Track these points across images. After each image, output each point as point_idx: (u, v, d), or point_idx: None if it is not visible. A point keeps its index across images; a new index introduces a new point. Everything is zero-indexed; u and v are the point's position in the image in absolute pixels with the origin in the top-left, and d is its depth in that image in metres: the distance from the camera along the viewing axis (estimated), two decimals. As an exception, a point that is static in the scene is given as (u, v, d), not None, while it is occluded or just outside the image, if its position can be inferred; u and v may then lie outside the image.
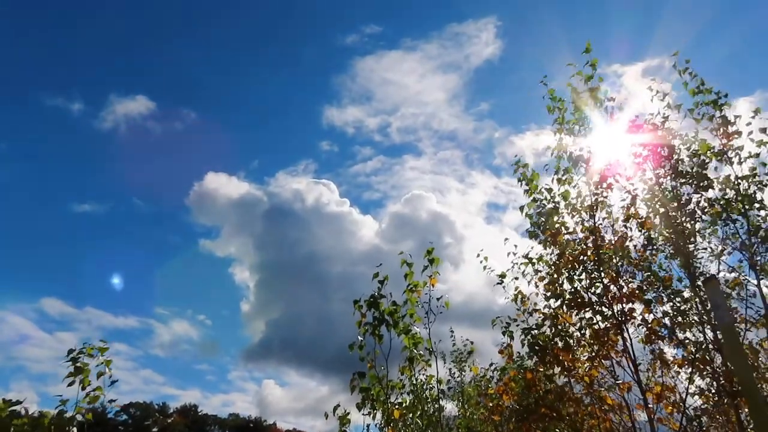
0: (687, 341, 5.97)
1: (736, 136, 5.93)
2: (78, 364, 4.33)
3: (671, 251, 6.06)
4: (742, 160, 5.90)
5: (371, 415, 5.09)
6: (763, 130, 5.88)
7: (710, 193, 6.05)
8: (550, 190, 6.59)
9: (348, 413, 5.12)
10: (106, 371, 4.40)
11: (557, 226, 6.48)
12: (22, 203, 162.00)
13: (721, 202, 5.95)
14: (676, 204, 6.12)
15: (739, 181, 5.86)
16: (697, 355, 5.79)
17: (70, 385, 4.27)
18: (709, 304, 5.60)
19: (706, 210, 6.07)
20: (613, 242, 6.21)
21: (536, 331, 6.39)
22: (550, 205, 6.57)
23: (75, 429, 4.31)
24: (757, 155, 5.87)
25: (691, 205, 6.14)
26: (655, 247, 6.22)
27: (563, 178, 6.48)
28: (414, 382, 5.39)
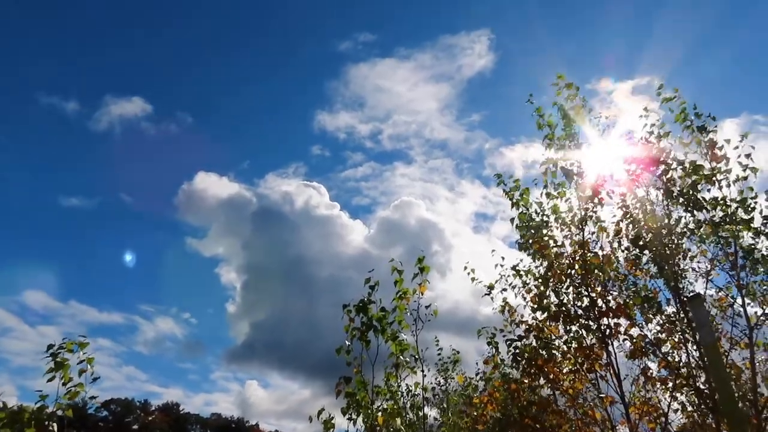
0: (671, 357, 6.02)
1: (724, 160, 5.97)
2: (58, 359, 4.26)
3: (656, 270, 6.11)
4: (730, 183, 5.95)
5: (354, 421, 5.06)
6: (747, 156, 5.95)
7: (700, 215, 6.11)
8: (540, 204, 6.65)
9: (332, 417, 5.09)
10: (88, 368, 4.33)
11: (546, 239, 6.53)
12: (9, 195, 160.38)
13: (714, 222, 6.01)
14: (666, 222, 6.18)
15: (731, 203, 5.92)
16: (679, 371, 5.84)
17: (50, 380, 4.21)
18: (694, 323, 5.65)
19: (695, 231, 6.13)
20: (601, 257, 6.26)
21: (520, 343, 6.42)
22: (539, 219, 6.62)
23: (55, 424, 4.25)
24: (745, 178, 5.91)
25: (681, 226, 6.20)
26: (641, 266, 6.27)
27: (555, 192, 6.55)
28: (395, 389, 5.37)
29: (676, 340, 5.98)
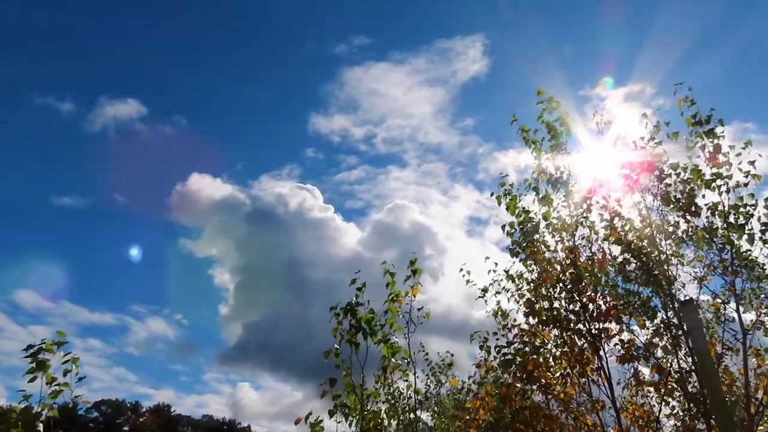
0: (662, 361, 6.00)
1: (726, 166, 5.96)
2: (39, 359, 4.18)
3: (646, 277, 6.08)
4: (729, 189, 5.94)
5: (348, 423, 5.03)
6: (751, 163, 5.93)
7: (698, 221, 6.11)
8: (528, 212, 6.64)
9: (321, 420, 5.06)
10: (73, 368, 4.26)
11: (537, 244, 6.52)
12: (2, 194, 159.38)
13: (708, 229, 6.01)
14: (661, 227, 6.18)
15: (730, 211, 5.91)
16: (671, 376, 5.83)
17: (32, 380, 4.14)
18: (686, 328, 5.65)
19: (692, 236, 6.13)
20: (592, 261, 6.25)
21: (511, 347, 6.40)
22: (530, 225, 6.62)
23: (41, 425, 4.18)
24: (746, 185, 5.90)
25: (679, 232, 6.20)
26: (628, 271, 6.25)
27: (543, 198, 6.56)
28: (391, 392, 5.35)
29: (668, 345, 5.96)
